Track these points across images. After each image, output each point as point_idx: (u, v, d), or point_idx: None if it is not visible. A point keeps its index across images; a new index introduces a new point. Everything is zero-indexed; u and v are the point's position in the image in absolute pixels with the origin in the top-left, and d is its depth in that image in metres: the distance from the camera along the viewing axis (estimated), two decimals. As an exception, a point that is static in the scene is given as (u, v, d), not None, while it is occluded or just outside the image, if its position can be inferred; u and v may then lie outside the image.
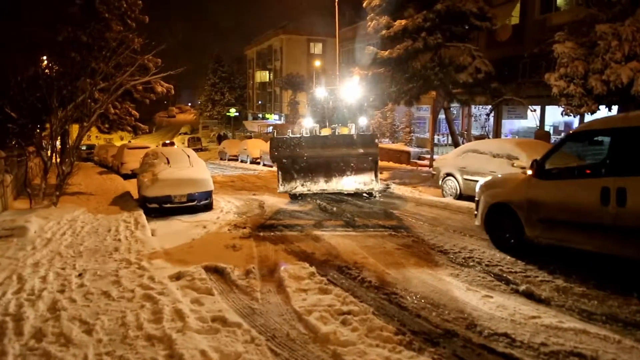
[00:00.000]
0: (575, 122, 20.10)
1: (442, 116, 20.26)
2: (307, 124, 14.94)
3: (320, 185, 11.11)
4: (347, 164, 11.02)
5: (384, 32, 18.60)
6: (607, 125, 5.82)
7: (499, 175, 8.00)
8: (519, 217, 6.69)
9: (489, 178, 7.78)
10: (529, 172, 6.53)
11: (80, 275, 6.00)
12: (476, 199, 7.78)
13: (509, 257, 6.61)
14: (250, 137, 41.62)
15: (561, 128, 20.62)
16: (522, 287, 5.29)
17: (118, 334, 4.17)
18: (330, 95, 13.33)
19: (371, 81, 19.67)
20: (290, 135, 11.34)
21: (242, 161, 31.15)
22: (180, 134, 68.22)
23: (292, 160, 11.00)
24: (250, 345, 3.91)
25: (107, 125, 19.29)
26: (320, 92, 12.89)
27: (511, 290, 5.31)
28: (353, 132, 11.52)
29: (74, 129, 12.39)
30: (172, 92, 20.00)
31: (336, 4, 25.04)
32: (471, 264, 6.41)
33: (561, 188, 6.11)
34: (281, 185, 11.23)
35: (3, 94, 10.48)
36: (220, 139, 54.13)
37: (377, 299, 5.11)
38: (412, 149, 22.95)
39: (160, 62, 15.13)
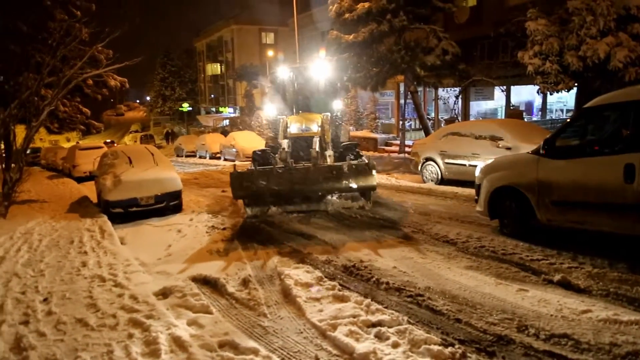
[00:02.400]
0: (537, 101, 20.31)
1: (408, 101, 19.90)
2: (268, 113, 12.28)
3: (298, 207, 9.06)
4: (334, 193, 9.03)
5: (346, 15, 17.96)
6: (629, 98, 5.40)
7: (501, 157, 7.54)
8: (528, 200, 6.25)
9: (490, 161, 7.29)
10: (541, 151, 6.06)
11: (45, 300, 5.07)
12: (477, 183, 7.29)
13: (522, 244, 6.15)
14: (204, 132, 40.20)
15: (522, 107, 20.73)
16: (556, 277, 4.81)
17: (107, 377, 3.36)
18: (295, 76, 10.89)
19: (335, 67, 19.02)
20: (257, 167, 8.72)
21: (200, 157, 29.91)
22: (131, 132, 65.31)
23: (259, 196, 8.66)
24: (279, 380, 3.21)
25: (56, 125, 17.73)
26: (282, 72, 10.88)
27: (544, 282, 4.82)
28: (327, 123, 9.85)
29: (20, 131, 11.08)
30: (127, 86, 18.66)
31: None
32: (486, 253, 5.91)
33: (577, 167, 5.68)
34: (249, 208, 9.02)
35: None
36: (169, 136, 52.16)
37: (402, 303, 4.49)
38: (379, 136, 22.54)
39: (112, 54, 13.85)
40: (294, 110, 10.96)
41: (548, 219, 5.97)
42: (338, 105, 11.21)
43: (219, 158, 26.58)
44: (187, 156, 32.49)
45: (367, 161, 8.49)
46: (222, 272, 5.67)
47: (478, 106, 20.84)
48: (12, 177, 9.63)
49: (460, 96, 19.30)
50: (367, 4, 17.41)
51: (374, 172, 8.37)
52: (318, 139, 9.29)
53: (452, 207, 9.08)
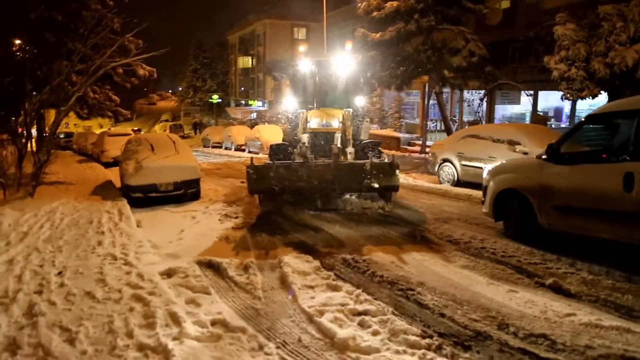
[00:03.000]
0: (567, 107, 19.93)
1: (432, 101, 19.82)
2: (288, 107, 11.80)
3: (315, 204, 8.75)
4: (354, 191, 8.79)
5: (374, 13, 18.01)
6: (628, 107, 5.42)
7: (509, 160, 7.58)
8: (530, 204, 6.30)
9: (498, 163, 7.34)
10: (544, 156, 6.11)
11: (60, 273, 5.42)
12: (484, 184, 7.36)
13: (523, 247, 6.19)
14: (232, 124, 40.73)
15: (551, 114, 20.39)
16: (548, 281, 4.88)
17: (105, 343, 3.63)
18: (318, 69, 10.42)
19: (363, 66, 19.09)
20: (274, 162, 8.49)
21: (226, 148, 30.42)
22: (161, 122, 66.75)
23: (276, 192, 8.32)
24: (260, 355, 3.42)
25: (86, 111, 18.39)
26: (305, 64, 10.42)
27: (536, 284, 4.89)
28: (350, 120, 9.62)
29: (51, 115, 11.60)
30: (155, 75, 19.18)
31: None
32: (485, 255, 5.98)
33: (578, 173, 5.73)
34: (263, 204, 8.83)
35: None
36: (197, 126, 52.97)
37: (392, 295, 4.64)
38: (402, 135, 22.52)
39: (141, 44, 14.31)
40: (315, 104, 10.64)
41: (549, 224, 6.01)
42: (360, 101, 10.86)
43: (243, 150, 27.01)
44: (213, 147, 33.11)
45: (390, 160, 8.17)
46: (226, 258, 5.91)
47: (504, 110, 20.59)
48: (40, 158, 10.12)
49: (486, 99, 19.11)
50: (395, 3, 17.42)
51: (397, 171, 8.00)
52: (339, 135, 8.93)
53: (464, 208, 9.12)
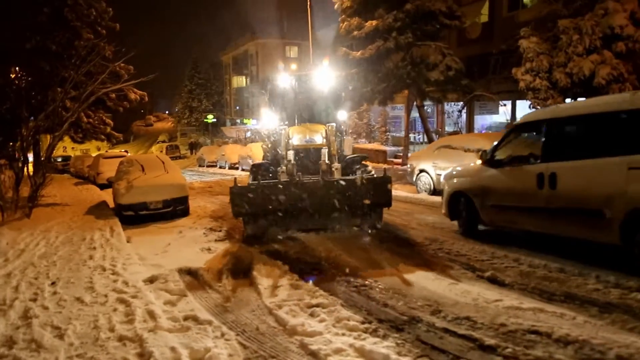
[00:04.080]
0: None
1: (417, 114, 20.56)
2: (267, 124, 11.08)
3: (302, 224, 8.24)
4: (343, 209, 8.14)
5: (355, 32, 18.85)
6: (539, 117, 6.42)
7: (459, 166, 8.39)
8: (474, 204, 7.14)
9: (450, 169, 8.13)
10: (479, 161, 7.00)
11: (53, 283, 5.99)
12: (442, 188, 8.12)
13: (478, 247, 6.80)
14: (227, 143, 41.49)
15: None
16: (487, 274, 5.49)
17: (90, 336, 4.21)
18: (298, 84, 10.17)
19: (345, 82, 19.86)
20: (260, 182, 8.15)
21: (220, 167, 31.11)
22: (158, 142, 67.49)
23: (262, 213, 7.99)
24: (220, 340, 4.00)
25: (80, 135, 19.10)
26: (284, 80, 10.12)
27: (477, 277, 5.49)
28: (333, 135, 9.23)
29: (46, 140, 12.26)
30: (146, 99, 19.92)
31: (308, 5, 25.29)
32: (440, 254, 6.60)
33: (505, 175, 6.66)
34: (248, 227, 8.24)
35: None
36: (193, 146, 53.76)
37: (346, 291, 5.24)
38: (389, 148, 23.23)
39: (132, 70, 15.05)
40: (296, 120, 10.41)
41: (489, 220, 6.87)
42: (342, 116, 10.66)
43: (237, 168, 27.67)
44: (208, 166, 33.82)
45: (382, 174, 7.95)
46: (205, 265, 6.51)
47: (483, 120, 21.35)
48: (36, 181, 10.75)
49: (465, 110, 19.84)
50: (374, 22, 18.26)
51: (389, 186, 7.80)
52: (327, 150, 8.66)
53: (435, 215, 9.70)
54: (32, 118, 11.57)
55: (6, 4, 11.70)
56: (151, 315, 4.60)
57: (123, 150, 44.37)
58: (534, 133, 6.50)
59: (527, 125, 6.66)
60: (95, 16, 16.27)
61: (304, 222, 8.17)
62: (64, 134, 11.74)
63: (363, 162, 9.77)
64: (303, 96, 10.74)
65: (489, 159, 6.69)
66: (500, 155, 6.80)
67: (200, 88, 69.63)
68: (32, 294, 5.59)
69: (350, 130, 24.14)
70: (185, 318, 4.57)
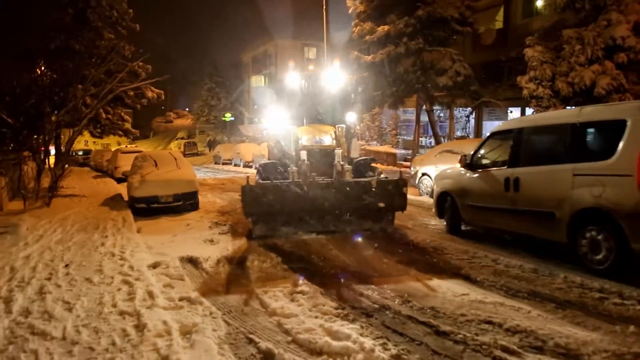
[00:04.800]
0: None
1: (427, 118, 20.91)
2: (274, 123, 10.75)
3: (313, 226, 8.19)
4: (356, 212, 8.18)
5: (367, 37, 19.31)
6: (509, 127, 7.12)
7: (446, 168, 8.96)
8: (457, 204, 7.73)
9: (441, 171, 8.69)
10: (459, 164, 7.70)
11: (66, 265, 6.58)
12: (432, 189, 8.64)
13: (462, 247, 7.22)
14: (244, 141, 42.18)
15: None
16: (462, 271, 5.90)
17: (95, 310, 4.76)
18: (307, 84, 9.97)
19: (355, 84, 20.31)
20: (272, 181, 8.09)
21: (235, 165, 31.78)
22: (177, 139, 68.72)
23: (273, 214, 7.97)
24: (207, 318, 4.52)
25: (99, 130, 19.92)
26: (293, 79, 10.00)
27: (452, 274, 5.90)
28: (343, 136, 9.20)
29: (67, 134, 13.00)
30: (162, 97, 20.68)
31: (324, 9, 25.81)
32: (424, 253, 7.01)
33: (481, 178, 7.21)
34: (257, 227, 8.17)
35: (-1, 100, 11.11)
36: (211, 144, 54.74)
37: (328, 282, 5.70)
38: (399, 151, 23.59)
39: (150, 69, 15.76)
40: (304, 120, 10.29)
41: (468, 219, 7.46)
42: (352, 118, 10.64)
43: (251, 166, 28.29)
44: (224, 163, 34.54)
45: (398, 177, 7.93)
46: (205, 254, 7.04)
47: (491, 125, 21.52)
48: (56, 173, 11.46)
49: (473, 116, 20.11)
50: (386, 27, 18.69)
51: (404, 189, 7.76)
52: (340, 151, 8.63)
53: (431, 216, 10.09)
54: (55, 113, 12.25)
55: (34, 6, 12.45)
56: (150, 295, 5.14)
57: (134, 145, 45.36)
58: (506, 141, 6.99)
59: (500, 133, 7.26)
60: (116, 17, 17.03)
61: (314, 224, 8.06)
62: (83, 129, 12.45)
63: (372, 166, 9.63)
64: (312, 96, 10.62)
65: (468, 163, 7.23)
66: (477, 159, 7.43)
67: (219, 87, 70.60)
68: (48, 274, 6.18)
69: (360, 133, 24.61)
70: (180, 299, 5.09)
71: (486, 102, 18.91)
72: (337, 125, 9.58)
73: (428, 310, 4.69)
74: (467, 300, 4.95)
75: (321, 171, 8.66)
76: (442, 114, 24.75)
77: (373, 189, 7.59)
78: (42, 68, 13.48)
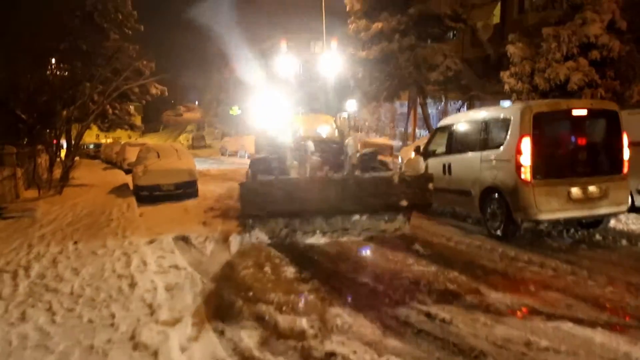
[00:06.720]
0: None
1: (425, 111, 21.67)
2: (266, 114, 9.91)
3: (319, 227, 7.17)
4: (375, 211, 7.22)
5: (362, 34, 20.08)
6: (447, 122, 8.53)
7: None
8: None
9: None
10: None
11: (75, 243, 7.58)
12: None
13: (428, 226, 8.06)
14: (249, 134, 43.16)
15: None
16: (415, 246, 6.74)
17: (97, 274, 5.74)
18: (302, 69, 9.51)
19: (354, 70, 20.98)
20: (277, 177, 7.20)
21: (240, 156, 32.83)
22: (186, 132, 69.97)
23: (276, 213, 7.02)
24: (188, 279, 5.47)
25: (107, 124, 21.03)
26: (287, 63, 9.02)
27: (406, 248, 6.72)
28: (344, 127, 8.65)
29: (77, 128, 14.06)
30: (166, 94, 21.73)
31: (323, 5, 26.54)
32: (397, 238, 7.63)
33: (431, 165, 8.24)
34: (256, 230, 7.18)
35: (14, 99, 12.16)
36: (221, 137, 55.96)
37: (298, 255, 6.60)
38: (395, 143, 24.39)
39: (153, 67, 16.77)
40: (300, 110, 9.90)
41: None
42: (352, 107, 9.88)
43: (255, 158, 29.26)
44: (229, 155, 35.62)
45: (424, 171, 7.30)
46: (195, 233, 8.00)
47: (483, 119, 22.26)
48: (67, 164, 12.51)
49: (465, 109, 20.83)
50: (380, 24, 19.45)
51: (430, 185, 6.95)
52: (352, 142, 7.98)
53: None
54: (65, 109, 13.29)
55: (44, 9, 13.50)
56: (144, 263, 6.11)
57: (139, 139, 46.28)
58: (445, 133, 8.10)
59: (442, 128, 8.39)
60: (121, 19, 18.04)
61: (320, 225, 7.12)
62: (90, 124, 13.48)
63: (378, 160, 8.83)
64: (309, 83, 10.53)
65: (422, 152, 8.20)
66: (428, 149, 8.65)
67: (227, 81, 71.55)
68: (59, 249, 7.17)
69: (359, 125, 25.46)
70: (169, 266, 6.05)
71: (476, 96, 19.64)
72: (338, 115, 9.41)
73: (368, 273, 5.59)
74: (407, 266, 5.84)
75: (326, 165, 7.95)
76: (439, 107, 25.48)
77: (395, 185, 6.75)
78: (53, 68, 14.50)
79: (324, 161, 7.93)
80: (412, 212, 7.49)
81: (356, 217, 7.14)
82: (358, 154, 8.23)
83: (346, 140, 8.11)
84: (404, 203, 6.88)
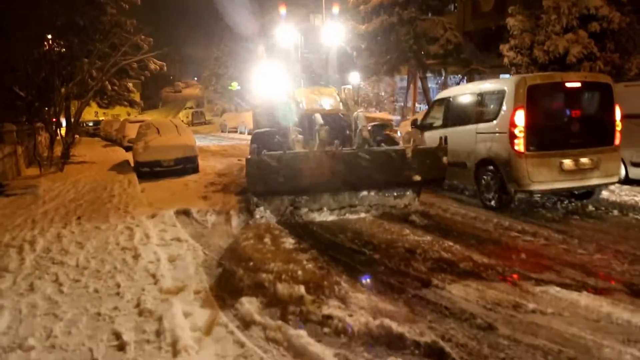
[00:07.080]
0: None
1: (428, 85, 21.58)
2: (265, 86, 9.39)
3: (326, 204, 7.04)
4: (386, 187, 7.09)
5: (361, 7, 19.85)
6: (444, 95, 8.58)
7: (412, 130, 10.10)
8: None
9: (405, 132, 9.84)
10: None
11: (78, 218, 7.73)
12: None
13: (426, 199, 8.18)
14: (248, 110, 43.00)
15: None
16: (411, 217, 6.90)
17: (101, 247, 5.90)
18: (303, 40, 8.81)
19: (356, 41, 20.80)
20: (286, 151, 6.75)
21: (240, 132, 32.84)
22: (185, 109, 69.65)
23: (284, 190, 6.77)
24: (190, 251, 5.63)
25: (106, 101, 21.01)
26: (287, 32, 8.73)
27: (403, 220, 6.88)
28: (350, 100, 8.30)
29: (76, 105, 14.08)
30: (164, 69, 21.62)
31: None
32: (396, 210, 7.76)
33: (427, 137, 8.51)
34: (260, 208, 7.00)
35: (12, 75, 12.15)
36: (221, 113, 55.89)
37: (298, 228, 6.75)
38: (395, 117, 24.35)
39: (152, 42, 16.66)
40: (302, 82, 9.41)
41: None
42: (355, 79, 9.45)
43: (255, 134, 29.29)
44: (230, 132, 35.61)
45: (438, 144, 6.84)
46: (196, 208, 8.14)
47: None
48: (67, 141, 12.59)
49: (464, 82, 20.73)
50: (380, -4, 19.22)
51: (444, 159, 6.71)
52: (362, 114, 7.79)
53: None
54: (64, 85, 13.29)
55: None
56: (147, 236, 6.27)
57: (138, 116, 45.84)
58: (442, 106, 8.14)
59: (439, 101, 8.44)
60: (118, -7, 17.87)
61: (328, 201, 6.98)
62: (90, 100, 13.50)
63: (388, 133, 8.75)
64: (309, 55, 10.41)
65: (418, 125, 8.28)
66: (424, 122, 8.76)
67: (226, 55, 70.85)
68: (63, 224, 7.33)
69: (360, 99, 25.38)
70: (171, 239, 6.20)
71: (476, 69, 19.52)
72: (343, 87, 8.78)
73: (369, 245, 5.74)
74: (403, 236, 5.99)
75: (332, 139, 7.52)
76: (439, 81, 25.34)
77: (408, 159, 6.54)
78: (51, 44, 14.42)
79: (311, 135, 7.72)
80: (422, 187, 7.34)
81: (364, 193, 7.02)
82: (369, 127, 8.00)
83: (355, 113, 7.91)
84: (417, 178, 6.67)
